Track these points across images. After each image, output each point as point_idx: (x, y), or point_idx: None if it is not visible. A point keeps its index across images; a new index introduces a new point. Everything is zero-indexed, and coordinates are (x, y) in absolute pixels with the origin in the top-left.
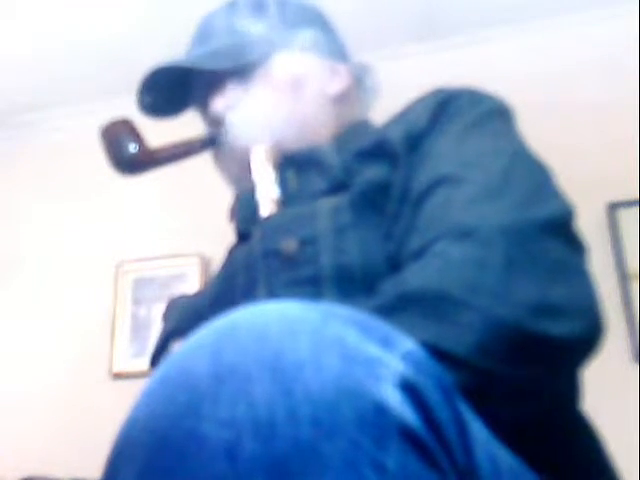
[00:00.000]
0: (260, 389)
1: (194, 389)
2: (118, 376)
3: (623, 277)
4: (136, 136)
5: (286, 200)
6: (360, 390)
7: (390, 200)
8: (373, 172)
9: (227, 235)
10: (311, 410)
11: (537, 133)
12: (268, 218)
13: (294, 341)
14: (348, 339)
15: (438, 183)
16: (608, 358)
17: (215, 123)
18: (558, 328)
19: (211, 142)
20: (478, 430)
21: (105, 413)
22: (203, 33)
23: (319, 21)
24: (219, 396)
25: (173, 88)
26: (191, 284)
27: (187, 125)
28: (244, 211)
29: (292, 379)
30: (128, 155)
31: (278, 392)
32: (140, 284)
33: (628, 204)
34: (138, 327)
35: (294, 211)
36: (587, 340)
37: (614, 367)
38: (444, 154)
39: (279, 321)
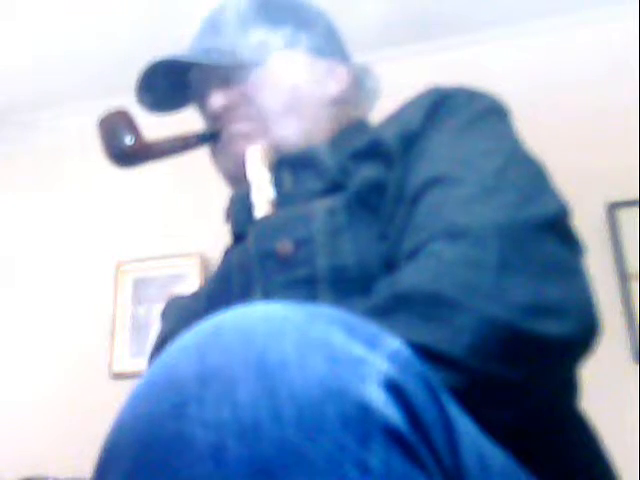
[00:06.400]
0: (245, 390)
1: (179, 391)
2: (118, 376)
3: (623, 277)
4: (133, 128)
5: (281, 201)
6: (344, 390)
7: (385, 200)
8: (368, 172)
9: (227, 235)
10: (295, 411)
11: (536, 133)
12: (263, 219)
13: (279, 342)
14: (333, 339)
15: (433, 183)
16: (608, 358)
17: (213, 119)
18: (553, 328)
19: (208, 138)
20: (466, 429)
21: (105, 413)
22: (204, 30)
23: (320, 21)
24: (204, 398)
25: (173, 84)
26: (191, 284)
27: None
28: (239, 212)
29: (277, 380)
30: (124, 147)
31: (263, 393)
32: (140, 284)
33: (628, 204)
34: (138, 327)
35: (289, 212)
36: (582, 339)
37: (614, 367)
38: (439, 153)
39: (264, 322)
